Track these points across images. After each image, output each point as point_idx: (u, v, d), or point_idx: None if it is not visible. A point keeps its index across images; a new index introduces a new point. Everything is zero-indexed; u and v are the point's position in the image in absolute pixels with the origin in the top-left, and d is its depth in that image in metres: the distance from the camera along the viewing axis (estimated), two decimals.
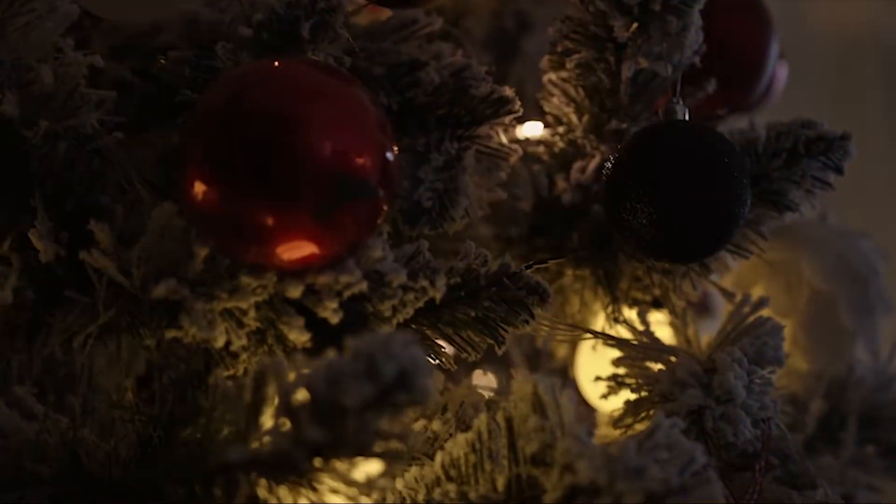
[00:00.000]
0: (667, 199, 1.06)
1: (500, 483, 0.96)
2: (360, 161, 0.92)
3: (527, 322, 1.05)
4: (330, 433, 0.79)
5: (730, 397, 1.06)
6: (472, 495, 0.96)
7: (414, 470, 1.01)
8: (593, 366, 1.30)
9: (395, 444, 0.83)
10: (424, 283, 0.99)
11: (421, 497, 0.99)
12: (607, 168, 1.10)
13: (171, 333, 0.96)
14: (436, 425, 1.09)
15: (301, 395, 0.81)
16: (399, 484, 1.01)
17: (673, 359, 1.14)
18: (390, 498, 0.95)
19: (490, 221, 1.26)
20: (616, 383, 1.17)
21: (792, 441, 1.24)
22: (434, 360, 1.06)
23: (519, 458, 0.96)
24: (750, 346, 1.13)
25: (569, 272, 1.25)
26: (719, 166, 1.06)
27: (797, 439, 1.33)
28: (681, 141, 1.07)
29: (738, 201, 1.06)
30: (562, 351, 1.42)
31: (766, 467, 1.18)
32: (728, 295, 1.23)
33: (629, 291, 1.24)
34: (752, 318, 1.16)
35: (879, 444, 1.40)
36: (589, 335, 1.24)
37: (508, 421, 0.96)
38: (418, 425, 1.10)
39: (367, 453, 0.82)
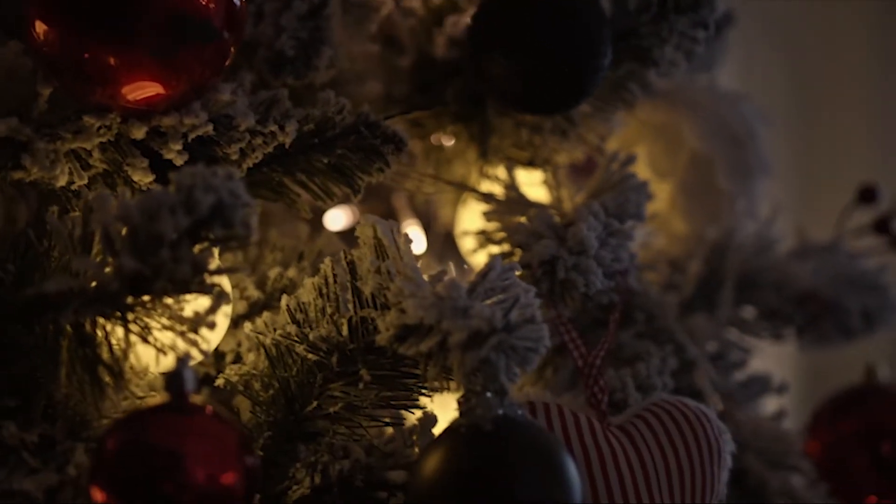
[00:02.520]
0: (524, 50, 1.06)
1: (344, 326, 0.97)
2: (202, 3, 0.92)
3: (381, 170, 1.06)
4: (146, 264, 0.80)
5: (582, 248, 1.07)
6: (312, 336, 0.97)
7: (266, 315, 1.02)
8: (470, 223, 1.31)
9: (218, 279, 0.84)
10: (273, 127, 1.00)
11: (269, 340, 1.00)
12: (470, 20, 1.10)
13: (16, 175, 0.96)
14: (292, 272, 1.11)
15: (119, 226, 0.81)
16: (247, 328, 1.03)
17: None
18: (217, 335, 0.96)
19: (379, 80, 1.26)
20: (484, 238, 1.18)
21: (659, 298, 1.27)
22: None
23: (362, 302, 0.97)
24: (612, 201, 1.14)
25: (446, 129, 1.25)
26: (577, 18, 1.06)
27: (674, 299, 1.34)
28: None
29: (595, 53, 1.07)
30: (446, 210, 1.44)
31: (622, 320, 1.20)
32: (603, 154, 1.24)
33: (505, 149, 1.25)
34: (619, 175, 1.17)
35: (758, 306, 1.42)
36: (459, 190, 1.26)
37: (351, 264, 0.97)
38: (274, 272, 1.11)
39: (187, 287, 0.82)
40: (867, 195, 1.46)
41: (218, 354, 1.10)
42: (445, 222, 1.43)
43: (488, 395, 0.89)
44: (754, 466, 1.31)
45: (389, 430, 1.07)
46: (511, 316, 0.89)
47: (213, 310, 0.86)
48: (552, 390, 1.15)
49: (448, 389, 0.92)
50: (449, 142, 1.26)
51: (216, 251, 0.88)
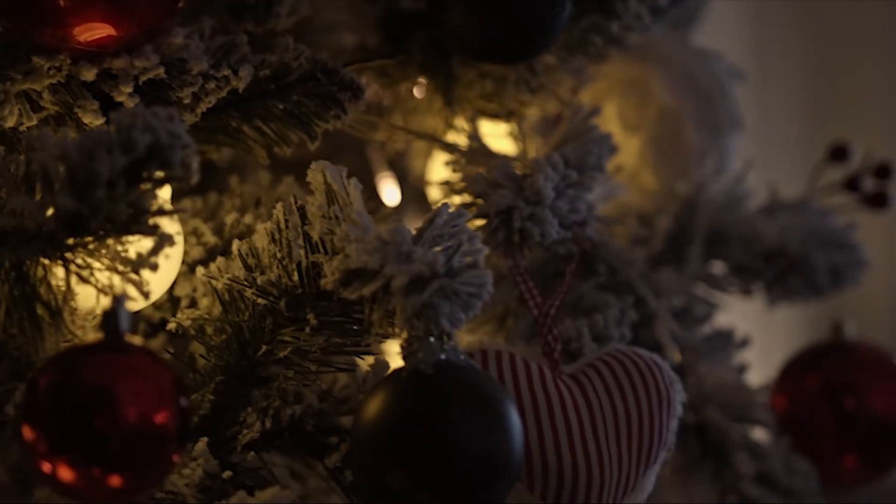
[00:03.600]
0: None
1: (294, 271, 0.97)
2: None
3: (338, 118, 1.06)
4: (83, 203, 0.81)
5: (538, 199, 1.08)
6: (261, 281, 0.97)
7: (220, 260, 1.03)
8: (438, 174, 1.31)
9: (161, 221, 0.85)
10: (227, 72, 1.00)
11: (220, 285, 1.01)
12: None
13: None
14: (248, 219, 1.11)
15: (59, 165, 0.82)
16: (200, 272, 1.03)
17: None
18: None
19: (349, 29, 1.26)
20: (448, 188, 1.18)
21: (623, 251, 1.27)
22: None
23: (313, 247, 0.97)
24: (573, 153, 1.14)
25: (413, 80, 1.25)
26: None
27: (641, 254, 1.35)
28: None
29: (553, 2, 1.07)
30: (419, 162, 1.44)
31: (583, 272, 1.21)
32: (568, 106, 1.24)
33: (472, 100, 1.25)
34: (582, 127, 1.17)
35: (727, 262, 1.42)
36: (428, 142, 1.27)
37: (301, 210, 0.98)
38: (230, 218, 1.12)
39: (127, 227, 0.83)
40: (838, 153, 1.46)
41: (173, 300, 1.11)
42: (418, 174, 1.44)
43: (431, 339, 0.90)
44: (716, 419, 1.31)
45: (344, 376, 1.08)
46: (454, 261, 0.89)
47: (155, 251, 0.86)
48: (513, 339, 1.16)
49: (393, 335, 0.93)
50: (418, 93, 1.27)
51: (163, 193, 0.89)
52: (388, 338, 0.94)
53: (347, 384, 1.08)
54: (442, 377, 0.90)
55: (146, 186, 0.82)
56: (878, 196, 1.45)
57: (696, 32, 1.49)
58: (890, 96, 3.49)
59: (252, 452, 1.03)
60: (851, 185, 1.45)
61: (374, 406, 0.90)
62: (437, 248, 0.91)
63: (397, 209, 1.44)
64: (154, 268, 0.87)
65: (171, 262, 0.98)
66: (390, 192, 1.45)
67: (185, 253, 1.11)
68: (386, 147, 1.37)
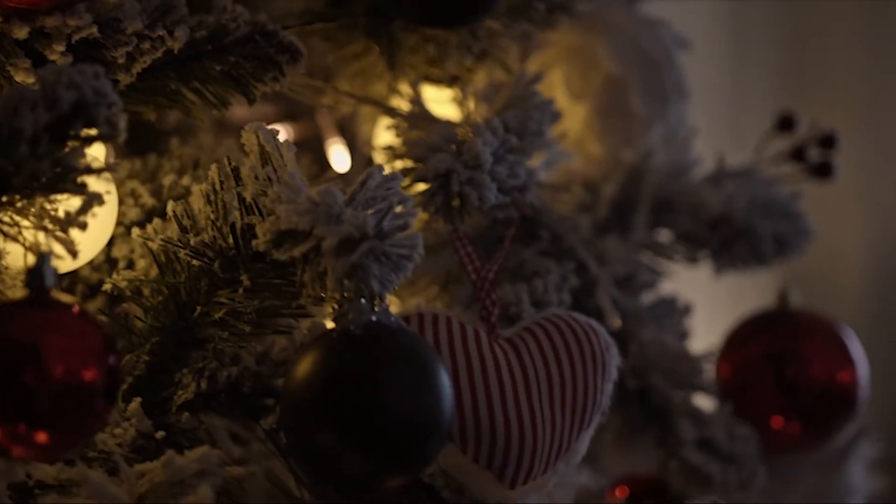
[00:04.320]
0: None
1: (227, 232, 0.97)
2: None
3: (276, 80, 1.06)
4: (7, 160, 0.80)
5: (477, 163, 1.08)
6: (194, 241, 0.98)
7: (156, 221, 1.03)
8: (383, 139, 1.31)
9: (87, 179, 0.84)
10: (162, 32, 1.00)
11: (155, 246, 1.01)
12: None
13: None
14: (186, 180, 1.11)
15: None
16: (135, 233, 1.03)
17: None
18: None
19: None
20: (390, 153, 1.18)
21: (566, 217, 1.27)
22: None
23: (248, 209, 0.97)
24: (514, 119, 1.14)
25: (358, 44, 1.25)
26: None
27: (587, 221, 1.35)
28: None
29: None
30: (366, 127, 1.44)
31: (523, 237, 1.21)
32: (513, 73, 1.24)
33: (416, 65, 1.25)
34: (524, 93, 1.17)
35: (673, 230, 1.43)
36: (374, 107, 1.27)
37: (235, 171, 0.98)
38: (168, 179, 1.12)
39: (53, 185, 0.83)
40: (785, 123, 1.47)
41: (111, 261, 1.11)
42: (365, 140, 1.44)
43: (361, 301, 0.90)
44: (659, 386, 1.32)
45: (282, 339, 1.08)
46: (384, 223, 0.89)
47: (83, 210, 0.86)
48: (454, 304, 1.16)
49: (324, 297, 0.93)
50: (362, 57, 1.27)
51: (95, 153, 0.89)
52: (321, 300, 0.94)
53: (286, 347, 1.08)
54: (372, 338, 0.90)
55: (73, 144, 0.82)
56: (823, 166, 1.46)
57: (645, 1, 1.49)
58: (839, 67, 3.51)
59: (187, 413, 1.03)
60: (797, 154, 1.46)
61: (303, 367, 0.90)
62: (370, 211, 0.91)
63: (346, 175, 1.44)
64: (83, 227, 0.87)
65: (102, 222, 0.97)
66: (340, 157, 1.45)
67: (123, 214, 1.11)
68: (333, 112, 1.37)
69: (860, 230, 3.84)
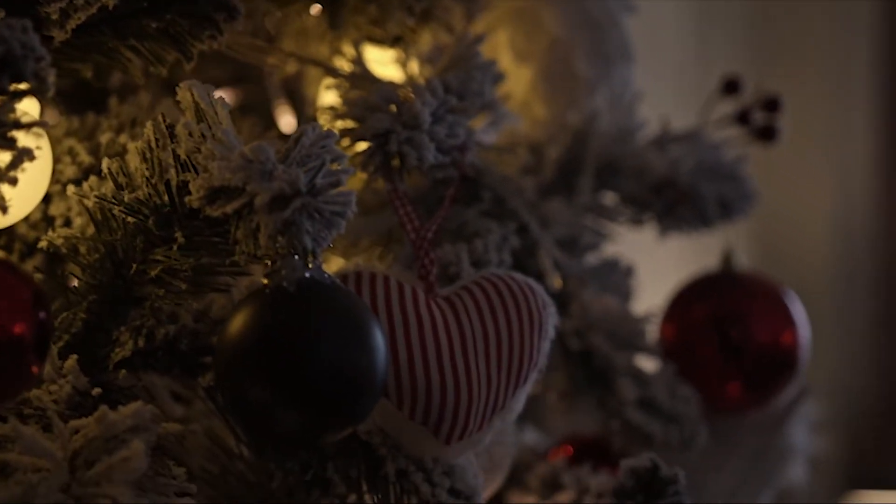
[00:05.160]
0: None
1: (162, 189, 0.97)
2: None
3: (213, 38, 1.06)
4: None
5: (416, 123, 1.08)
6: (128, 198, 0.98)
7: (92, 178, 1.03)
8: (326, 100, 1.31)
9: (16, 134, 0.84)
10: None
11: (91, 203, 1.00)
12: None
13: None
14: (123, 138, 1.11)
15: None
16: (70, 190, 1.03)
17: None
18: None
19: None
20: (332, 113, 1.18)
21: (509, 179, 1.28)
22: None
23: (183, 166, 0.97)
24: (454, 79, 1.14)
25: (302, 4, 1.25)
26: None
27: (531, 183, 1.36)
28: None
29: None
30: (312, 89, 1.44)
31: (465, 197, 1.22)
32: (454, 34, 1.24)
33: (360, 26, 1.25)
34: (466, 54, 1.17)
35: (618, 193, 1.43)
36: (317, 67, 1.27)
37: (170, 128, 0.97)
38: (105, 137, 1.11)
39: None
40: (731, 86, 1.48)
41: (48, 219, 1.11)
42: (311, 101, 1.44)
43: (295, 257, 0.91)
44: (601, 346, 1.33)
45: (221, 298, 1.08)
46: (317, 180, 0.90)
47: (13, 166, 0.86)
48: (397, 263, 1.17)
49: (259, 254, 0.93)
50: (308, 17, 1.27)
51: (28, 108, 0.89)
52: (256, 257, 0.94)
53: (225, 305, 1.08)
54: (305, 294, 0.90)
55: (1, 99, 0.82)
56: (767, 129, 1.47)
57: None
58: (807, 40, 3.53)
59: (124, 371, 1.03)
60: (742, 118, 1.47)
61: (236, 323, 0.91)
62: (304, 168, 0.91)
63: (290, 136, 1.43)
64: (13, 182, 0.87)
65: (34, 179, 0.97)
66: (286, 120, 1.45)
67: (60, 172, 1.11)
68: (278, 74, 1.37)
69: (827, 201, 3.87)
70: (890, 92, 3.80)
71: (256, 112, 1.38)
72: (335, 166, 0.92)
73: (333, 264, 1.16)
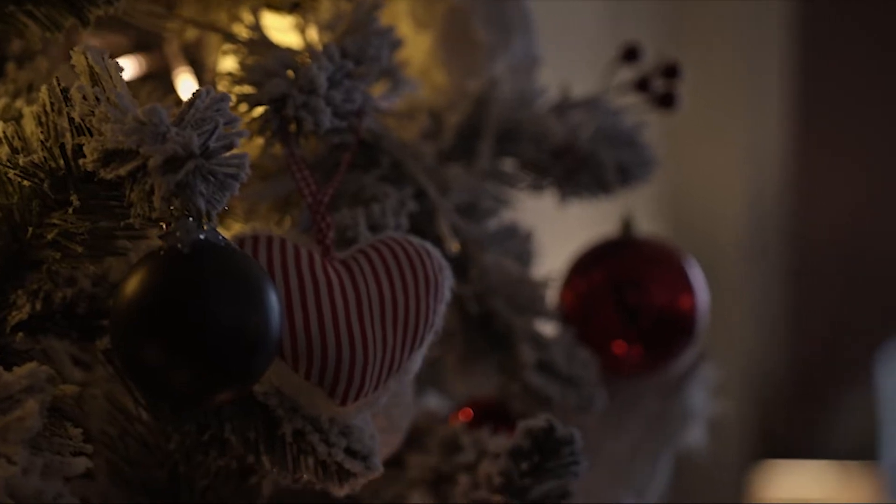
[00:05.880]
0: None
1: (57, 152, 0.98)
2: None
3: (110, 3, 1.06)
4: None
5: (312, 88, 1.09)
6: (23, 161, 0.98)
7: None
8: (225, 66, 1.32)
9: None
10: None
11: None
12: None
13: None
14: (19, 104, 1.11)
15: None
16: None
17: None
18: None
19: None
20: (230, 79, 1.19)
21: (407, 144, 1.30)
22: None
23: (79, 129, 0.98)
24: (352, 44, 1.15)
25: None
26: None
27: (431, 149, 1.37)
28: None
29: None
30: (213, 57, 1.44)
31: (363, 163, 1.23)
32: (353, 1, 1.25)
33: None
34: (363, 19, 1.18)
35: (519, 159, 1.45)
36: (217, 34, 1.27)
37: (65, 91, 0.98)
38: (1, 103, 1.11)
39: None
40: (630, 54, 1.50)
41: None
42: (212, 68, 1.44)
43: (189, 220, 0.92)
44: (501, 311, 1.35)
45: (121, 262, 1.09)
46: (210, 142, 0.91)
47: None
48: (295, 227, 1.18)
49: (153, 216, 0.94)
50: None
51: None
52: (151, 220, 0.95)
53: (123, 269, 1.09)
54: (198, 255, 0.91)
55: None
56: (667, 96, 1.49)
57: None
58: (719, 16, 3.58)
59: (21, 334, 1.03)
60: (641, 85, 1.49)
61: (130, 284, 0.91)
62: (197, 131, 0.92)
63: None
64: None
65: None
66: (187, 86, 1.46)
67: None
68: (178, 40, 1.37)
69: (740, 176, 3.94)
70: (802, 69, 3.86)
71: (158, 79, 1.38)
72: (229, 129, 0.92)
73: (234, 229, 1.18)
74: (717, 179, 3.88)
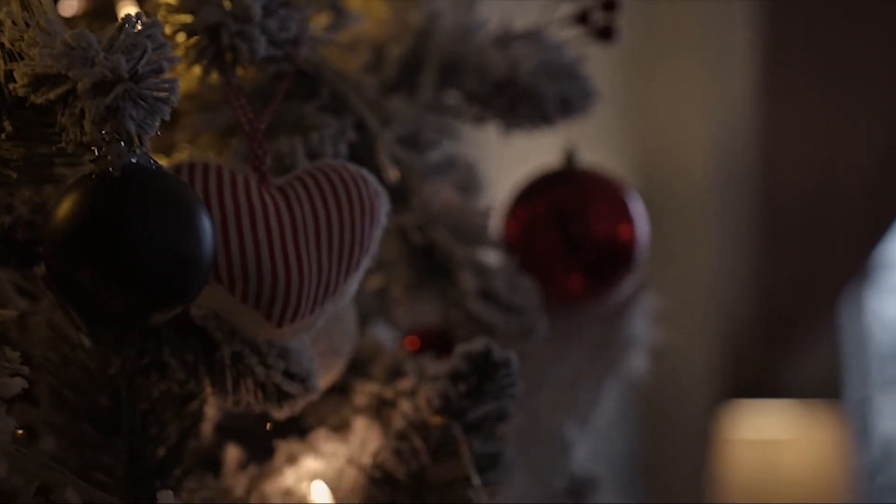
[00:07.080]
0: None
1: None
2: None
3: None
4: None
5: (247, 16, 1.10)
6: None
7: None
8: None
9: None
10: None
11: None
12: None
13: None
14: None
15: None
16: None
17: None
18: None
19: None
20: (165, 9, 1.18)
21: (348, 75, 1.31)
22: None
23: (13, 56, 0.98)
24: None
25: None
26: None
27: (373, 80, 1.38)
28: None
29: None
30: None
31: (300, 92, 1.24)
32: None
33: None
34: None
35: (461, 90, 1.46)
36: None
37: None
38: None
39: None
40: None
41: None
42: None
43: (120, 144, 0.93)
44: (442, 240, 1.37)
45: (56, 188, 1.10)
46: (139, 66, 0.92)
47: None
48: (234, 155, 1.19)
49: (84, 140, 0.95)
50: None
51: None
52: (83, 145, 0.96)
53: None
54: (130, 179, 0.93)
55: None
56: (606, 29, 1.51)
57: None
58: None
59: None
60: (581, 18, 1.50)
61: (62, 208, 0.93)
62: (126, 56, 0.93)
63: None
64: None
65: None
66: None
67: None
68: None
69: (707, 128, 3.97)
70: (769, 18, 3.88)
71: (101, 13, 1.38)
72: (158, 54, 0.93)
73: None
74: (685, 132, 3.92)
